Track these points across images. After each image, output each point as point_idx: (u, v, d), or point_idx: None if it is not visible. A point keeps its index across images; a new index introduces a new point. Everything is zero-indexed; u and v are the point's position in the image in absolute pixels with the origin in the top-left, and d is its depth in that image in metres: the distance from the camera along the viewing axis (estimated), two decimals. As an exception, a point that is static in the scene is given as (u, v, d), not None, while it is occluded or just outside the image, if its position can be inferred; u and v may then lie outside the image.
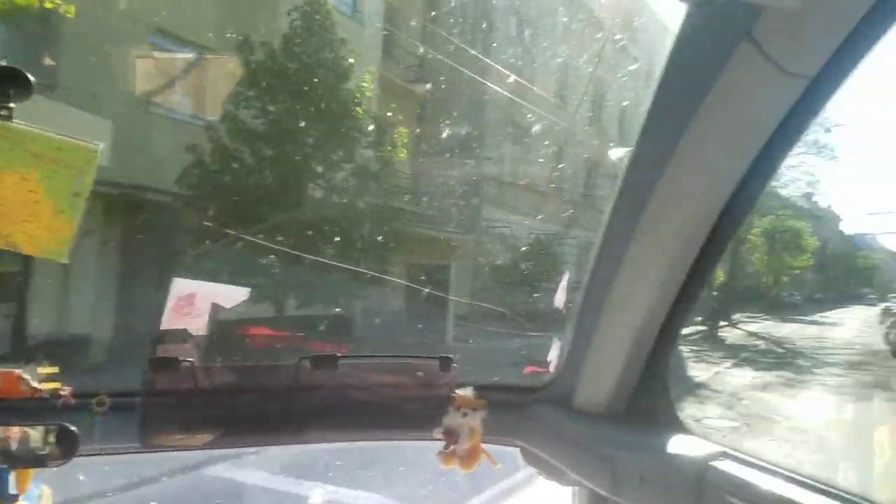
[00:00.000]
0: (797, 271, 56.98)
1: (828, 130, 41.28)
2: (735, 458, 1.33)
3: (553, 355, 1.84)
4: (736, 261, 45.01)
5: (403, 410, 1.68)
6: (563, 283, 1.98)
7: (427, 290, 16.08)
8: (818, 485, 1.15)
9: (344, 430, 1.72)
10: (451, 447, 1.63)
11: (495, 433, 1.68)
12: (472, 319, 15.88)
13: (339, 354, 1.65)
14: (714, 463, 1.31)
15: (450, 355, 1.74)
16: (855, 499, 1.10)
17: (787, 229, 53.62)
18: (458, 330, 16.40)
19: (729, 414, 12.29)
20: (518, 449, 1.76)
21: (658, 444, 1.40)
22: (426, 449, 1.70)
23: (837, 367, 20.98)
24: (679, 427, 1.53)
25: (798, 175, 43.88)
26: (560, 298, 1.93)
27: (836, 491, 1.13)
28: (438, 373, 1.73)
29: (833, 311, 58.80)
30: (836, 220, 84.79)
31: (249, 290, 1.79)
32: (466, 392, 1.66)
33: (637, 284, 1.38)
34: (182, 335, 1.58)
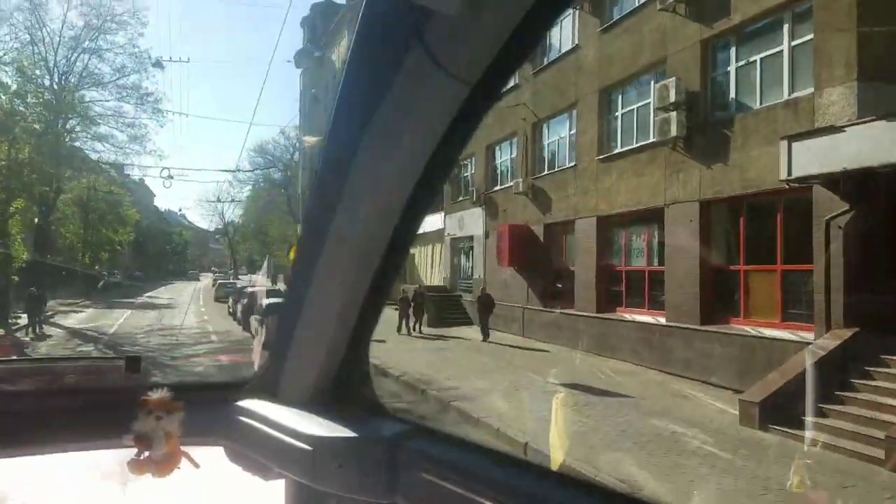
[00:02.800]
0: (118, 247, 48.64)
1: (157, 64, 35.30)
2: (426, 435, 1.34)
3: (256, 349, 1.86)
4: (45, 236, 34.69)
5: (81, 418, 1.54)
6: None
7: None
8: (501, 453, 1.18)
9: (17, 442, 1.54)
10: (145, 454, 1.49)
11: (196, 434, 1.59)
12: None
13: None
14: (407, 441, 1.30)
15: (138, 355, 1.70)
16: (535, 466, 1.14)
17: (104, 198, 44.89)
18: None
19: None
20: (221, 448, 1.66)
21: (355, 429, 1.37)
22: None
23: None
24: (376, 410, 1.52)
25: (116, 128, 36.79)
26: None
27: (515, 458, 1.17)
28: (125, 374, 1.67)
29: (158, 290, 53.84)
30: (150, 195, 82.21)
31: None
32: (160, 394, 1.52)
33: (334, 279, 1.37)
34: None
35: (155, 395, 1.51)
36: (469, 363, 15.05)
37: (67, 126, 30.24)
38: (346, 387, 1.53)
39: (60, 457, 1.65)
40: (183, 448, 1.54)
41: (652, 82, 14.74)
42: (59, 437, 1.54)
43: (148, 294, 46.62)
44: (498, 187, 22.94)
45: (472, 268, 25.04)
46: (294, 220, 55.22)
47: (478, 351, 17.25)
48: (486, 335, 18.65)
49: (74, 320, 29.03)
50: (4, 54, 26.69)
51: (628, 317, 15.39)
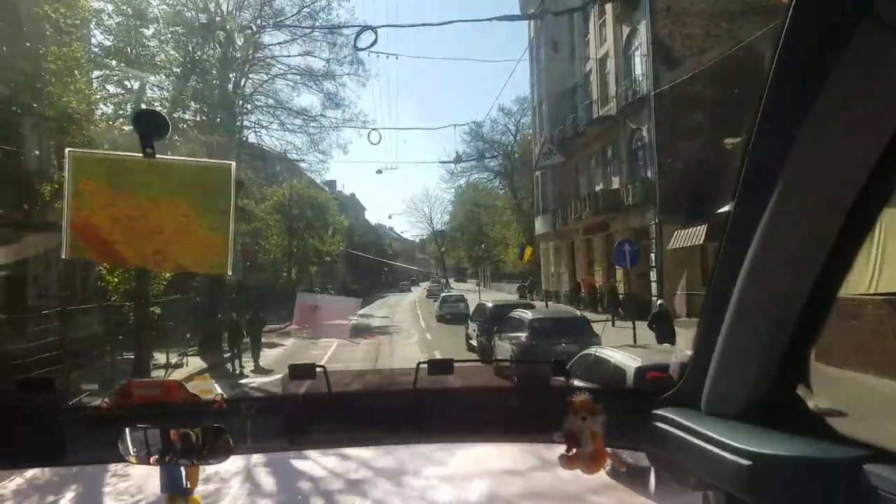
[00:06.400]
0: (327, 258, 40.15)
1: None
2: (890, 459, 1.10)
3: (674, 359, 1.84)
4: (246, 250, 26.79)
5: (520, 413, 1.65)
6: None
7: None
8: None
9: (463, 431, 1.69)
10: (573, 451, 1.53)
11: (618, 437, 1.59)
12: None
13: (454, 360, 1.71)
14: (867, 466, 1.08)
15: (563, 360, 1.74)
16: None
17: (309, 202, 36.48)
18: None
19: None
20: (644, 453, 1.63)
21: (802, 448, 1.19)
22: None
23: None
24: (822, 427, 1.32)
25: (303, 84, 25.54)
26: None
27: None
28: (552, 377, 1.77)
29: (372, 305, 45.23)
30: (360, 208, 76.58)
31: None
32: (584, 396, 1.54)
33: (764, 282, 1.23)
34: None
35: (579, 398, 1.52)
36: None
37: (241, 86, 20.42)
38: (785, 401, 1.36)
39: (490, 446, 1.94)
40: (607, 449, 1.54)
41: None
42: (496, 429, 1.67)
43: (361, 311, 37.34)
44: None
45: None
46: (522, 214, 43.01)
47: None
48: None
49: (269, 359, 19.48)
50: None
51: None
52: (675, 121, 21.88)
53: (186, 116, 15.42)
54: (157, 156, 1.30)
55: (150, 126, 1.30)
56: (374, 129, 20.63)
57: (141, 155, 1.30)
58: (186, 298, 17.92)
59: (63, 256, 1.40)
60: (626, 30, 24.94)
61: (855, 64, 0.89)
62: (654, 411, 1.55)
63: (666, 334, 12.67)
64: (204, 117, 15.87)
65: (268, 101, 23.29)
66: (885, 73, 0.90)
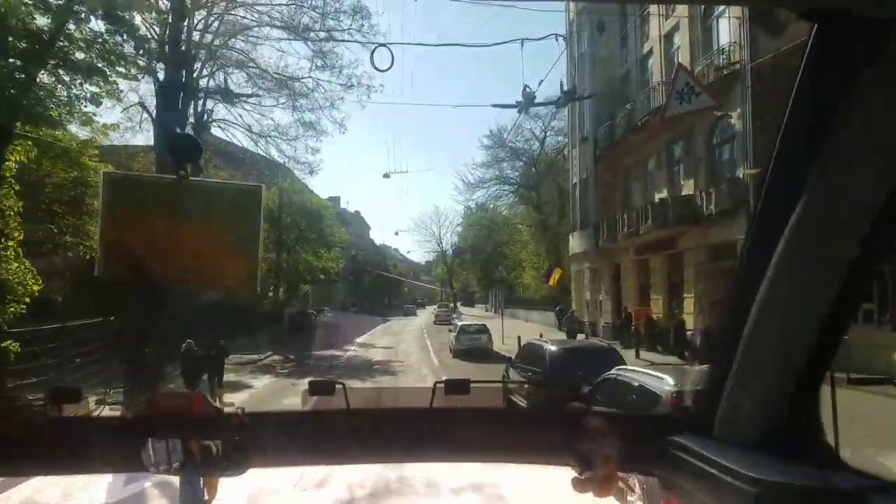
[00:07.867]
0: (322, 276, 34.09)
1: None
2: (894, 491, 1.09)
3: (689, 385, 2.22)
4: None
5: (535, 435, 1.63)
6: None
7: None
8: None
9: (478, 450, 1.69)
10: (586, 474, 1.50)
11: (630, 461, 1.56)
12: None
13: (471, 380, 1.68)
14: (871, 496, 1.08)
15: (579, 384, 1.80)
16: None
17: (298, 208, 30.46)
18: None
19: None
20: (656, 479, 1.60)
21: (807, 477, 1.18)
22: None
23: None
24: (831, 458, 1.30)
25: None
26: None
27: None
28: (569, 400, 1.78)
29: (374, 331, 39.40)
30: (365, 226, 71.24)
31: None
32: (598, 420, 1.54)
33: (778, 308, 1.23)
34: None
35: (594, 421, 1.52)
36: None
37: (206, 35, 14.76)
38: (796, 431, 1.33)
39: (504, 467, 1.96)
40: (619, 473, 1.51)
41: None
42: (510, 450, 1.65)
43: (360, 339, 31.51)
44: None
45: None
46: (547, 230, 37.29)
47: None
48: None
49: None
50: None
51: None
52: (779, 102, 16.26)
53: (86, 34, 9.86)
54: (191, 178, 1.38)
55: (183, 149, 1.39)
56: (380, 46, 14.76)
57: (174, 176, 1.37)
58: (103, 323, 12.17)
59: (96, 275, 1.45)
60: (706, -8, 19.46)
61: (868, 95, 0.92)
62: (667, 437, 1.52)
63: None
64: (122, 41, 10.44)
65: (239, 57, 17.56)
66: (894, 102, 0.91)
